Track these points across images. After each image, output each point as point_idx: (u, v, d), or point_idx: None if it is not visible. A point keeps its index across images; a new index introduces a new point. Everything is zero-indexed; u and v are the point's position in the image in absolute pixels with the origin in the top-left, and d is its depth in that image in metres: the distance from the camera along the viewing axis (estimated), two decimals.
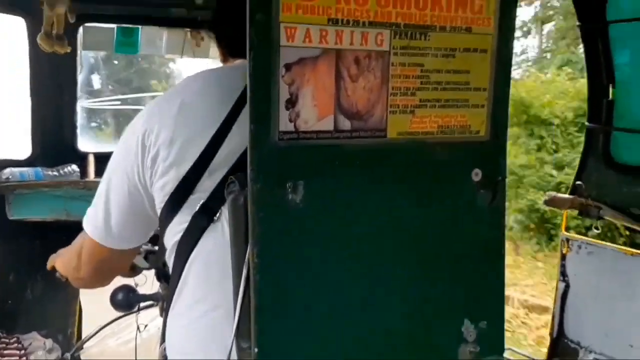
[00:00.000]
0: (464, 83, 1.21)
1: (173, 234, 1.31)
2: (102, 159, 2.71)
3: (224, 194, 1.16)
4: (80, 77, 2.84)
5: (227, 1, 1.40)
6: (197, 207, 1.26)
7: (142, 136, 1.28)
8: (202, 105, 1.29)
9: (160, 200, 1.30)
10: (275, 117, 1.05)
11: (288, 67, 1.04)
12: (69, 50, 2.22)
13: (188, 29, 2.70)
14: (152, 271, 2.01)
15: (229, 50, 1.44)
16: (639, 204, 1.97)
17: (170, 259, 1.35)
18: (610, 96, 1.95)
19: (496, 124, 1.26)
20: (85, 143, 2.94)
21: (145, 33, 2.70)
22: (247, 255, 1.08)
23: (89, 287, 1.70)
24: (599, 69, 1.94)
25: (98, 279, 1.57)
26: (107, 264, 1.49)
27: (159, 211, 1.32)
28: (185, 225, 1.28)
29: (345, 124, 1.12)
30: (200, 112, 1.28)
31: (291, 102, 1.06)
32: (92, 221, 1.39)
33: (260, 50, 1.02)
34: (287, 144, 1.07)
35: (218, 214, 1.25)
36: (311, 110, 1.08)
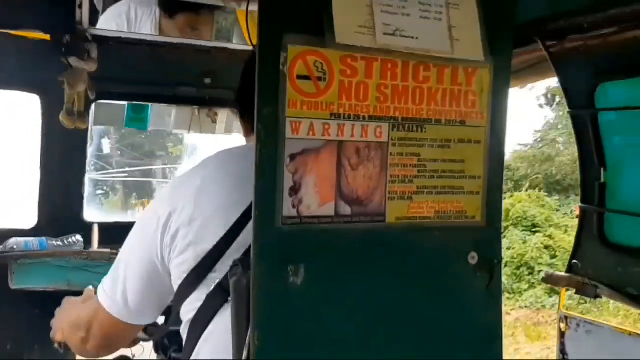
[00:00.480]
0: (459, 171, 1.28)
1: (188, 311, 1.36)
2: (107, 229, 2.76)
3: None
4: (90, 148, 2.93)
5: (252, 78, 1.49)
6: (212, 288, 1.30)
7: (164, 215, 1.34)
8: (222, 184, 1.36)
9: (177, 277, 1.35)
10: (280, 204, 1.11)
11: (292, 157, 1.11)
12: (88, 126, 2.33)
13: (196, 107, 2.82)
14: (150, 343, 2.03)
15: (252, 127, 1.52)
16: (634, 284, 1.99)
17: (184, 333, 1.39)
18: (602, 179, 2.01)
19: (491, 210, 1.31)
20: (91, 212, 2.99)
21: (155, 109, 2.82)
22: (247, 338, 1.10)
23: (91, 357, 1.71)
24: (591, 153, 2.02)
25: (105, 351, 1.59)
26: (117, 338, 1.52)
27: (175, 287, 1.36)
28: (201, 303, 1.32)
29: (346, 209, 1.18)
30: (221, 191, 1.35)
31: (294, 190, 1.12)
32: (111, 295, 1.43)
33: (267, 142, 1.09)
34: (290, 229, 1.12)
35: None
36: (313, 197, 1.14)
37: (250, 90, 1.47)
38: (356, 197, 1.18)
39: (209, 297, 1.30)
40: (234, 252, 1.29)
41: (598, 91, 1.93)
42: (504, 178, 1.35)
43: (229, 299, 1.26)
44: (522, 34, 1.98)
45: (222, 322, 1.29)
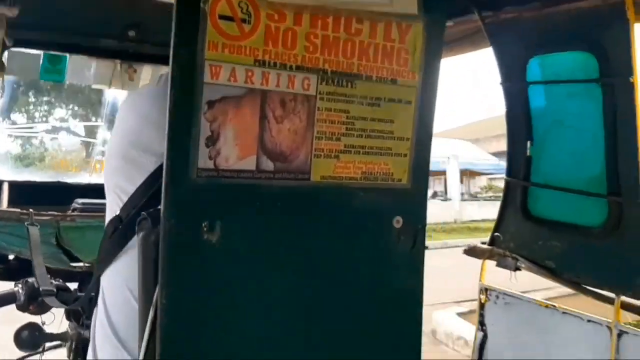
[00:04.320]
0: (388, 132, 1.23)
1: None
2: (17, 188, 2.58)
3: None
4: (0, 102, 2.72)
5: None
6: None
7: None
8: (133, 126, 1.26)
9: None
10: (195, 154, 1.02)
11: (211, 104, 1.03)
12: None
13: (118, 61, 2.65)
14: (62, 309, 1.92)
15: None
16: (552, 257, 2.04)
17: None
18: (528, 152, 2.04)
19: (418, 173, 1.28)
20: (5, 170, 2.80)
21: (73, 62, 2.63)
22: (155, 297, 1.02)
23: None
24: (518, 126, 2.04)
25: None
26: None
27: None
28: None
29: (268, 164, 1.11)
30: (129, 134, 1.24)
31: (212, 140, 1.04)
32: None
33: (182, 86, 1.00)
34: (206, 182, 1.04)
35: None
36: (233, 149, 1.06)
37: None
38: (280, 152, 1.12)
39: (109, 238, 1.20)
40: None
41: (530, 64, 1.94)
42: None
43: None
44: (459, 4, 1.96)
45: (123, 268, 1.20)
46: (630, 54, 1.60)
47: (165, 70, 1.48)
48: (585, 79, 1.80)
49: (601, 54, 1.71)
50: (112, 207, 1.24)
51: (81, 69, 2.68)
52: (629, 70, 1.61)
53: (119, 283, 1.21)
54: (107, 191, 1.27)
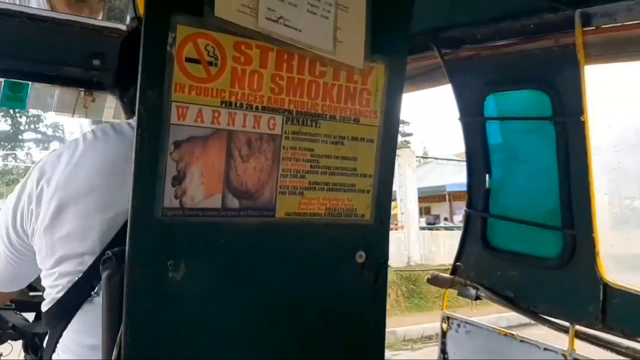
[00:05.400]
0: (352, 169, 1.27)
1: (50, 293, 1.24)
2: None
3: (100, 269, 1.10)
4: None
5: (130, 61, 1.37)
6: (76, 279, 1.19)
7: (30, 191, 1.23)
8: (94, 165, 1.23)
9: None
10: (161, 193, 1.03)
11: (177, 144, 1.04)
12: None
13: (82, 89, 2.62)
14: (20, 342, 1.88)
15: (132, 108, 1.39)
16: (511, 286, 2.10)
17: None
18: (487, 185, 2.10)
19: (380, 209, 1.31)
20: None
21: (36, 89, 2.59)
22: (119, 336, 1.02)
23: None
24: (477, 160, 2.11)
25: None
26: None
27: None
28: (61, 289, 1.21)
29: (234, 202, 1.13)
30: (90, 173, 1.21)
31: (178, 179, 1.05)
32: None
33: (150, 126, 1.01)
34: (171, 221, 1.05)
35: (97, 289, 1.18)
36: (199, 188, 1.08)
37: (127, 72, 1.36)
38: (245, 190, 1.13)
39: (74, 286, 1.19)
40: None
41: (487, 101, 2.01)
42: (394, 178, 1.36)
43: (93, 293, 1.17)
44: (419, 41, 2.02)
45: (88, 316, 1.19)
46: (581, 94, 1.68)
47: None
48: (538, 117, 1.88)
49: (554, 93, 1.79)
50: None
51: (44, 96, 2.63)
52: (580, 109, 1.69)
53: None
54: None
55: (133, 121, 1.33)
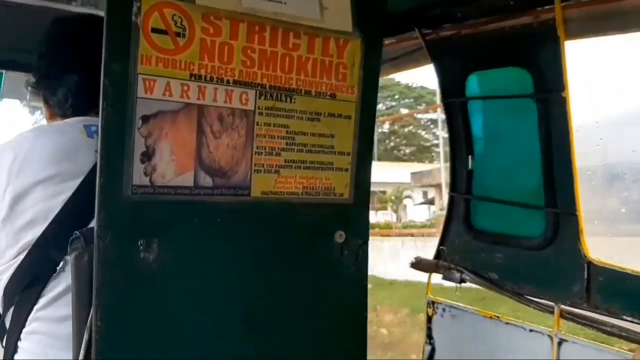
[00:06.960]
0: (329, 146, 1.24)
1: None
2: None
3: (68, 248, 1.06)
4: None
5: (58, 63, 1.31)
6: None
7: None
8: (40, 158, 1.19)
9: None
10: (129, 170, 1.00)
11: (145, 119, 1.00)
12: None
13: None
14: None
15: (59, 111, 1.31)
16: (495, 268, 2.08)
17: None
18: (470, 166, 2.08)
19: (359, 188, 1.29)
20: None
21: (10, 78, 2.54)
22: (89, 319, 0.98)
23: None
24: (460, 141, 2.08)
25: None
26: None
27: None
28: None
29: (207, 180, 1.09)
30: (38, 165, 1.18)
31: (147, 156, 1.02)
32: None
33: (115, 100, 0.97)
34: (141, 199, 1.02)
35: (62, 264, 1.14)
36: (169, 165, 1.04)
37: (55, 60, 1.30)
38: (218, 167, 1.10)
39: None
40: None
41: (468, 80, 1.99)
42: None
43: (57, 268, 1.13)
44: (400, 21, 1.99)
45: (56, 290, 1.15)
46: (561, 70, 1.66)
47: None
48: (520, 94, 1.85)
49: (534, 70, 1.77)
50: None
51: (18, 85, 2.58)
52: (561, 85, 1.66)
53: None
54: None
55: (64, 122, 1.29)
